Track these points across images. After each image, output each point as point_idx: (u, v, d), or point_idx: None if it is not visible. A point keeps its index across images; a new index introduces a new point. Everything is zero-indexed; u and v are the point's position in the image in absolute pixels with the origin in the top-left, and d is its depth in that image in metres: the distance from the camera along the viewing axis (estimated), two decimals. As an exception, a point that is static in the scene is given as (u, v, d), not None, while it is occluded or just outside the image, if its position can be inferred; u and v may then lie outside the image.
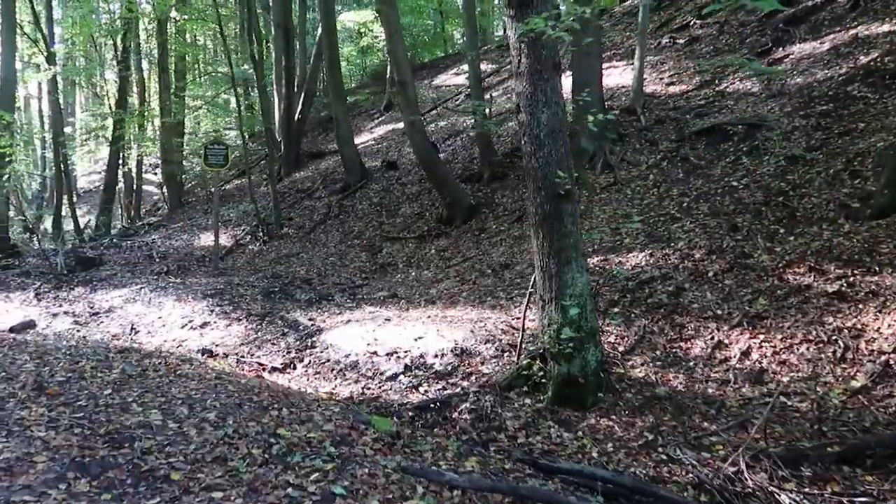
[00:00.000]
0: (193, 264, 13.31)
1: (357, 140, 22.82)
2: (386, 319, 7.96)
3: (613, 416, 5.48)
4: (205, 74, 33.79)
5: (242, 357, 7.67)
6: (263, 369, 7.28)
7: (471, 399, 5.84)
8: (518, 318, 7.54)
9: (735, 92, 12.22)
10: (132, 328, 9.17)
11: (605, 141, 11.94)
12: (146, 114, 24.41)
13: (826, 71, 11.31)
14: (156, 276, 12.17)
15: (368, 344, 7.19)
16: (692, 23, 16.28)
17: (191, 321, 9.12)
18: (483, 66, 27.27)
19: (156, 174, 34.34)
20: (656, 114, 12.55)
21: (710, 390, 5.86)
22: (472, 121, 16.39)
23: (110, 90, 27.69)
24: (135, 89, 27.21)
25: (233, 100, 36.37)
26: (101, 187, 24.66)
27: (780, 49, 13.15)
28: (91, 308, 10.24)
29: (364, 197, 14.91)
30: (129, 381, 5.04)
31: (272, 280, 11.18)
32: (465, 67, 27.66)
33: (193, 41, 32.90)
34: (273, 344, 8.08)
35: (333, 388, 6.41)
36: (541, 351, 5.94)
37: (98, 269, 13.15)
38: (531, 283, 6.28)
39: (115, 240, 16.20)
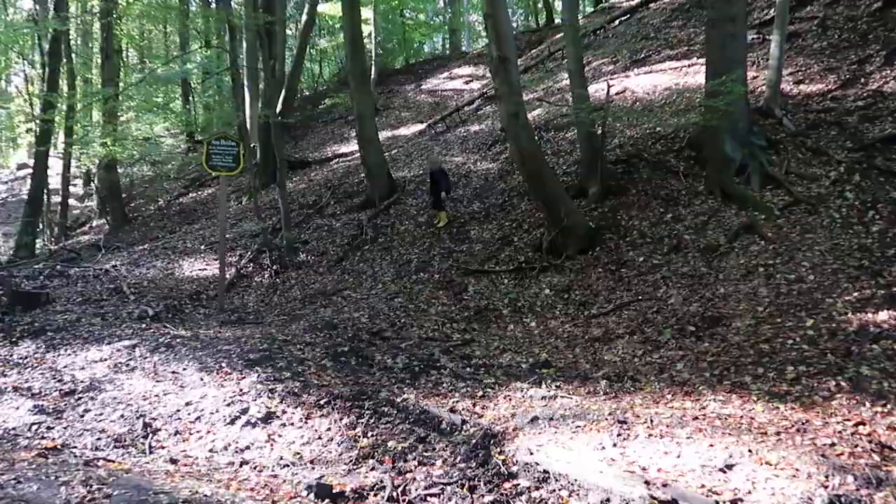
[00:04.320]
0: (186, 303, 9.61)
1: (344, 150, 19.48)
2: (619, 422, 4.76)
3: None
4: (142, 71, 29.29)
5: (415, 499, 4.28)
6: (453, 532, 3.95)
7: None
8: (860, 426, 4.53)
9: (898, 92, 9.79)
10: (145, 424, 5.54)
11: (756, 148, 9.21)
12: (79, 103, 19.98)
13: None
14: (142, 324, 8.46)
15: (646, 481, 3.97)
16: (778, 18, 13.97)
17: (244, 411, 5.59)
18: (467, 70, 24.50)
19: (74, 185, 29.66)
20: (803, 117, 9.95)
21: None
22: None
23: (28, 86, 23.10)
24: (64, 84, 22.69)
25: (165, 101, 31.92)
26: (25, 199, 20.04)
27: (927, 46, 10.91)
28: (59, 381, 6.49)
29: (403, 215, 11.59)
30: None
31: (327, 333, 7.73)
32: (459, 71, 24.79)
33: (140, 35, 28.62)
34: (420, 461, 4.72)
35: None
36: None
37: (46, 310, 9.29)
38: None
39: (58, 266, 12.14)
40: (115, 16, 19.60)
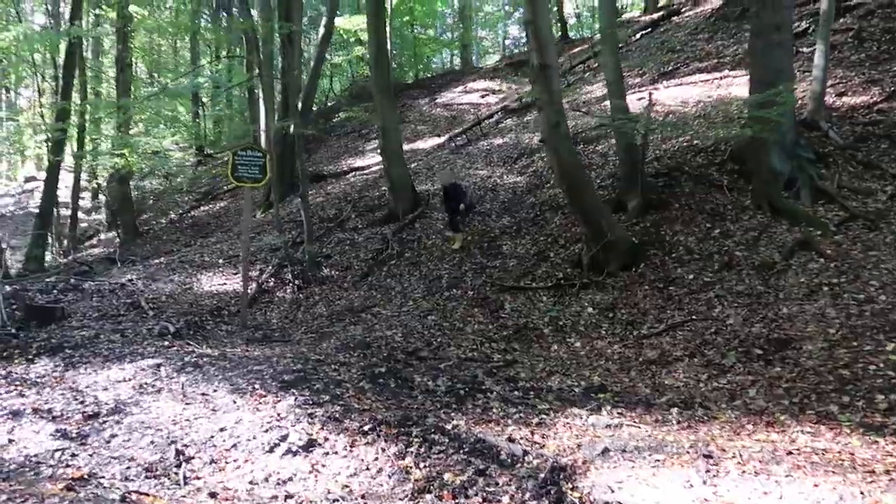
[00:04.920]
0: (207, 319, 9.21)
1: (360, 163, 19.17)
2: (704, 456, 4.33)
3: None
4: (151, 84, 29.05)
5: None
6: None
7: None
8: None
9: (953, 105, 9.42)
10: (177, 452, 5.11)
11: (804, 161, 8.83)
12: (96, 114, 19.78)
13: None
14: (164, 341, 8.04)
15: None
16: (811, 30, 13.65)
17: (283, 437, 5.15)
18: (483, 84, 24.19)
19: (82, 198, 29.46)
20: (849, 130, 9.58)
21: None
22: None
23: (40, 99, 22.93)
24: (76, 97, 22.42)
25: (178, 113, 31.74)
26: (33, 211, 19.75)
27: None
28: (81, 402, 6.05)
29: (429, 229, 11.20)
30: None
31: (361, 352, 7.32)
32: (474, 85, 24.50)
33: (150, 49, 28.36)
34: (484, 497, 4.28)
35: None
36: None
37: (62, 326, 8.90)
38: None
39: (72, 280, 11.76)
40: (129, 28, 19.42)
